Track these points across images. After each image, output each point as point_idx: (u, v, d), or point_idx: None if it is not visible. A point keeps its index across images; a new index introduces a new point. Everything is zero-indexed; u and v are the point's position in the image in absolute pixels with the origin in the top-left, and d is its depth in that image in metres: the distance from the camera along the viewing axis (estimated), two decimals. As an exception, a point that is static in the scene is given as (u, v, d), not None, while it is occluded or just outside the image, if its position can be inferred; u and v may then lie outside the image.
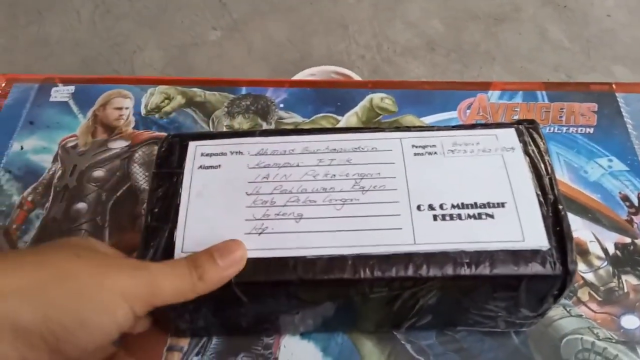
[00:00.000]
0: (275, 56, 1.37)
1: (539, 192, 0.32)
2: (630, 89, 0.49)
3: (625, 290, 0.38)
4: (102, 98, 0.51)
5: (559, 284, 0.30)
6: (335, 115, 0.49)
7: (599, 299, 0.38)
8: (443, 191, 0.32)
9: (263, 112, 0.50)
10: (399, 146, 0.35)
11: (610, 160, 0.45)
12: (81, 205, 0.44)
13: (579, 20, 1.40)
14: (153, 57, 1.39)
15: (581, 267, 0.39)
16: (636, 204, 0.42)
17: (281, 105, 0.50)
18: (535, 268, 0.29)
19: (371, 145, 0.35)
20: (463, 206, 0.31)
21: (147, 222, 0.32)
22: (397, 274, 0.29)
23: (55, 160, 0.47)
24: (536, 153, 0.33)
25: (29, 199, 0.45)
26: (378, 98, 0.50)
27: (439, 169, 0.33)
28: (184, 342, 0.37)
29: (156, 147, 0.36)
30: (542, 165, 0.33)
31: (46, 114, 0.50)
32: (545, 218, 0.31)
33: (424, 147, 0.34)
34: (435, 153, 0.34)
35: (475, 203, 0.32)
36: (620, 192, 0.43)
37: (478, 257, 0.30)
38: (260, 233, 0.31)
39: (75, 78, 0.53)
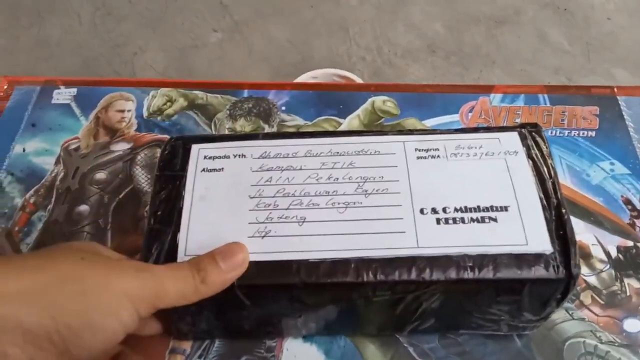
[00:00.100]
0: (276, 58, 1.37)
1: (542, 196, 0.32)
2: (632, 92, 0.49)
3: (628, 293, 0.38)
4: (104, 100, 0.51)
5: (562, 287, 0.30)
6: (337, 118, 0.49)
7: (602, 302, 0.38)
8: (446, 195, 0.32)
9: (265, 114, 0.50)
10: (402, 149, 0.35)
11: (612, 164, 0.45)
12: (83, 208, 0.44)
13: (579, 23, 1.41)
14: (154, 58, 1.39)
15: (584, 270, 0.39)
16: (638, 207, 0.42)
17: (283, 108, 0.50)
18: (538, 272, 0.29)
19: (374, 149, 0.35)
20: (466, 210, 0.31)
21: (149, 225, 0.32)
22: (400, 277, 0.29)
23: (57, 162, 0.47)
24: (539, 157, 0.33)
25: (31, 201, 0.45)
26: (380, 101, 0.50)
27: (442, 172, 0.33)
28: (187, 345, 0.36)
29: (158, 150, 0.36)
30: (545, 169, 0.33)
31: (48, 116, 0.50)
32: (548, 222, 0.31)
33: (427, 150, 0.34)
34: (438, 156, 0.34)
35: (479, 207, 0.32)
36: (622, 196, 0.43)
37: (481, 260, 0.30)
38: (263, 236, 0.31)
39: (77, 80, 0.53)
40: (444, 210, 0.32)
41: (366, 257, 0.30)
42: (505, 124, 0.48)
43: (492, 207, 0.32)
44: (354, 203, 0.32)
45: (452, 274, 0.29)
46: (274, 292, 0.31)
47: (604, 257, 0.40)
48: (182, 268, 0.29)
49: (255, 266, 0.30)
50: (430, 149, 0.35)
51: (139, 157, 0.47)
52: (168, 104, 0.51)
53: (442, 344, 0.36)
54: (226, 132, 0.48)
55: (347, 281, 0.30)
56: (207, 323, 0.33)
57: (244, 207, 0.32)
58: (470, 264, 0.30)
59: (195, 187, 0.33)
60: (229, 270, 0.29)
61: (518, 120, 0.48)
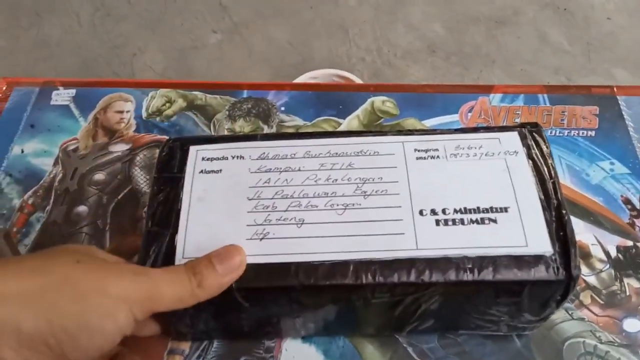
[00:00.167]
0: (276, 59, 1.37)
1: (542, 197, 0.32)
2: (632, 92, 0.49)
3: (628, 293, 0.38)
4: (103, 101, 0.51)
5: (562, 289, 0.30)
6: (336, 119, 0.49)
7: (601, 302, 0.38)
8: (446, 195, 0.32)
9: (264, 115, 0.50)
10: (401, 150, 0.34)
11: (612, 163, 0.45)
12: (82, 209, 0.44)
13: (579, 23, 1.41)
14: (153, 59, 1.39)
15: (583, 270, 0.39)
16: (638, 207, 0.42)
17: (282, 109, 0.50)
18: (538, 274, 0.29)
19: (373, 149, 0.34)
20: (466, 211, 0.31)
21: (147, 227, 0.32)
22: (399, 279, 0.29)
23: (56, 163, 0.47)
24: (539, 157, 0.33)
25: (30, 202, 0.45)
26: (379, 101, 0.50)
27: (442, 173, 0.33)
28: (185, 346, 0.36)
29: (157, 151, 0.36)
30: (546, 169, 0.33)
31: (47, 117, 0.50)
32: (548, 223, 0.31)
33: (426, 150, 0.34)
34: (438, 157, 0.34)
35: (478, 208, 0.31)
36: (622, 195, 0.43)
37: (481, 262, 0.29)
38: (261, 238, 0.31)
39: (76, 81, 0.53)
40: (444, 211, 0.31)
41: (365, 259, 0.30)
42: (504, 124, 0.47)
43: (491, 208, 0.31)
44: (353, 204, 0.32)
45: (452, 276, 0.29)
46: (273, 295, 0.31)
47: (604, 257, 0.40)
48: (178, 271, 0.28)
49: (253, 268, 0.30)
50: (430, 150, 0.34)
51: (137, 158, 0.47)
52: (167, 104, 0.51)
53: (441, 344, 0.36)
54: (225, 132, 0.48)
55: (345, 283, 0.29)
56: (205, 324, 0.33)
57: (242, 209, 0.32)
58: (470, 266, 0.29)
59: (193, 189, 0.33)
60: (226, 274, 0.29)
61: (518, 120, 0.48)
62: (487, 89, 0.50)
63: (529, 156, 0.33)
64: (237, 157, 0.34)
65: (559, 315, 0.37)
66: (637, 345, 0.36)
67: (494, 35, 1.39)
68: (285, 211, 0.32)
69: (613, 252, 0.40)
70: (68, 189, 0.45)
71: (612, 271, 0.39)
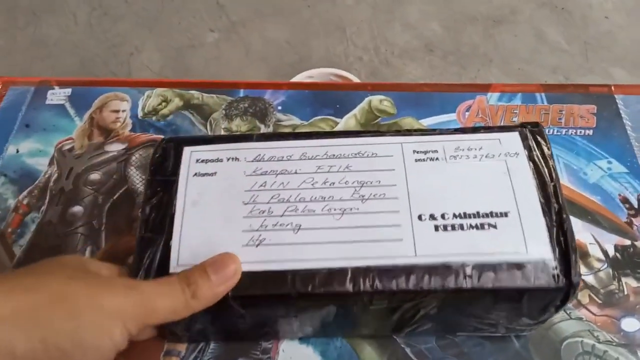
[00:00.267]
0: (273, 58, 1.37)
1: (543, 201, 0.31)
2: (629, 91, 0.49)
3: (626, 292, 0.38)
4: (99, 101, 0.51)
5: (562, 295, 0.29)
6: (333, 118, 0.49)
7: (599, 301, 0.38)
8: (445, 199, 0.31)
9: (261, 114, 0.49)
10: (400, 151, 0.34)
11: (610, 162, 0.45)
12: (77, 209, 0.44)
13: (577, 22, 1.41)
14: (150, 58, 1.39)
15: (581, 269, 0.39)
16: (636, 206, 0.42)
17: (279, 108, 0.50)
18: (538, 281, 0.29)
19: (371, 151, 0.34)
20: (465, 216, 0.31)
21: (141, 233, 0.31)
22: (397, 287, 0.29)
23: (51, 163, 0.47)
24: (540, 159, 0.33)
25: (25, 202, 0.44)
26: (377, 100, 0.50)
27: (441, 175, 0.33)
28: (182, 347, 0.36)
29: (153, 150, 0.36)
30: (547, 172, 0.32)
31: (42, 117, 0.50)
32: (549, 228, 0.30)
33: (425, 152, 0.33)
34: (437, 159, 0.33)
35: (478, 212, 0.31)
36: (619, 194, 0.43)
37: (480, 269, 0.29)
38: (257, 245, 0.30)
39: (71, 81, 0.53)
40: (443, 216, 0.31)
41: (363, 267, 0.29)
42: (502, 123, 0.47)
43: (491, 213, 0.31)
44: (351, 209, 0.31)
45: (451, 283, 0.29)
46: (269, 302, 0.30)
47: (602, 256, 0.40)
48: (171, 283, 0.28)
49: (249, 276, 0.29)
50: (429, 151, 0.34)
51: (133, 158, 0.46)
52: (163, 104, 0.50)
53: (439, 344, 0.36)
54: (222, 131, 0.48)
55: (343, 291, 0.29)
56: (201, 327, 0.33)
57: (238, 214, 0.31)
58: (469, 273, 0.29)
59: (188, 193, 0.32)
60: (221, 283, 0.28)
61: (515, 119, 0.48)
62: (485, 88, 0.50)
63: (530, 158, 0.33)
64: (232, 158, 0.34)
65: (557, 315, 0.37)
66: (635, 345, 0.36)
67: (491, 34, 1.39)
68: (281, 216, 0.31)
69: (611, 251, 0.40)
70: (63, 189, 0.45)
71: (610, 270, 0.39)
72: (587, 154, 0.45)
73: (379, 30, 1.41)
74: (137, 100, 0.50)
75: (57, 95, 0.51)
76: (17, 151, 0.47)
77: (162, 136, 0.47)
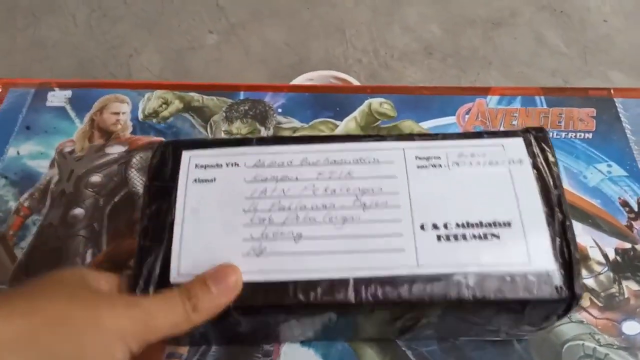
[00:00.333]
0: (273, 60, 1.37)
1: (547, 210, 0.31)
2: (629, 94, 0.49)
3: (626, 295, 0.38)
4: (99, 103, 0.51)
5: (565, 306, 0.29)
6: (334, 120, 0.49)
7: (600, 304, 0.38)
8: (447, 208, 0.31)
9: (261, 117, 0.49)
10: (402, 157, 0.33)
11: (610, 166, 0.45)
12: (78, 211, 0.44)
13: (575, 26, 1.41)
14: (150, 60, 1.39)
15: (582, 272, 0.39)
16: (636, 209, 0.42)
17: (279, 110, 0.50)
18: (541, 293, 0.28)
19: (373, 157, 0.33)
20: (468, 225, 0.30)
21: (140, 243, 0.31)
22: (399, 297, 0.29)
23: (52, 165, 0.47)
24: (545, 166, 0.32)
25: (26, 204, 0.44)
26: (377, 103, 0.50)
27: (444, 183, 0.32)
28: (183, 350, 0.36)
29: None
30: (551, 180, 0.32)
31: (43, 119, 0.50)
32: (552, 239, 0.30)
33: (427, 158, 0.33)
34: (440, 165, 0.32)
35: (481, 222, 0.30)
36: (619, 198, 0.43)
37: (483, 281, 0.29)
38: (258, 254, 0.30)
39: (72, 82, 0.52)
40: (445, 226, 0.30)
41: (364, 277, 0.29)
42: (502, 126, 0.47)
43: (495, 222, 0.30)
44: (352, 218, 0.31)
45: (453, 294, 0.29)
46: (271, 312, 0.30)
47: (602, 260, 0.40)
48: (172, 297, 0.27)
49: (250, 287, 0.29)
50: (432, 157, 0.33)
51: (134, 160, 0.46)
52: (164, 106, 0.50)
53: (440, 347, 0.36)
54: (222, 134, 0.48)
55: (344, 302, 0.29)
56: (203, 331, 0.33)
57: (238, 222, 0.31)
58: (472, 285, 0.29)
59: (187, 200, 0.32)
60: (222, 295, 0.28)
61: (515, 123, 0.48)
62: (484, 91, 0.50)
63: (534, 165, 0.32)
64: (232, 164, 0.33)
65: (557, 318, 0.37)
66: (636, 348, 0.36)
67: (490, 37, 1.39)
68: (282, 225, 0.31)
69: (611, 255, 0.40)
70: (64, 191, 0.45)
71: (611, 274, 0.39)
72: (586, 157, 0.45)
73: (379, 33, 1.41)
74: (137, 102, 0.50)
75: (58, 97, 0.51)
76: (18, 153, 0.47)
77: (162, 138, 0.47)
